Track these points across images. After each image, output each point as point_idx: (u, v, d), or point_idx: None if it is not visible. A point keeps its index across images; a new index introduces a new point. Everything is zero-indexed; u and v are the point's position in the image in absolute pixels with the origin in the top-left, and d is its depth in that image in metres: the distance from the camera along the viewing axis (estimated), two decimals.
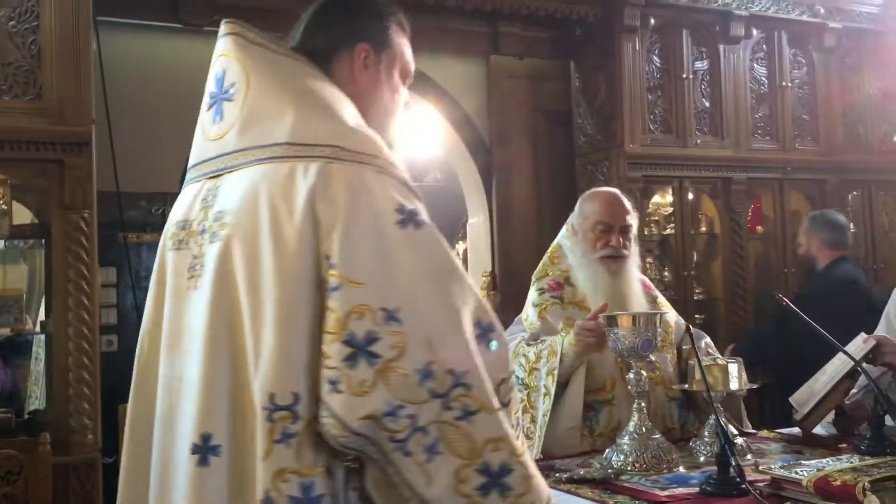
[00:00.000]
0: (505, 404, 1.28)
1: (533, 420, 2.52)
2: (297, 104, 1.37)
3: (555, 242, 2.86)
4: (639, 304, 2.64)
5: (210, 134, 1.44)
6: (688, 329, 2.41)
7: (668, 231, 5.57)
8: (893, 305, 2.78)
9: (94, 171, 3.74)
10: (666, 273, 5.57)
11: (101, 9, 3.99)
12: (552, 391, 2.47)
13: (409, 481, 1.22)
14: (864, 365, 2.35)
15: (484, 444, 1.23)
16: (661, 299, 2.86)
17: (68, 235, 3.64)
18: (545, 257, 2.85)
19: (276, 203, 1.29)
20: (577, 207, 2.78)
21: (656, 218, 5.66)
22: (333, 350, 1.22)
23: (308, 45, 1.50)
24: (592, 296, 2.61)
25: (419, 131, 5.93)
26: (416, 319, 1.24)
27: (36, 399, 3.84)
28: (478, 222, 5.72)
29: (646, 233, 5.36)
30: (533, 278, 2.85)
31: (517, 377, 2.59)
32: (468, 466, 1.22)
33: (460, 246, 8.80)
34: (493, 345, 1.30)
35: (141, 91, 4.53)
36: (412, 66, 1.60)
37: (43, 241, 3.76)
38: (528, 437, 2.51)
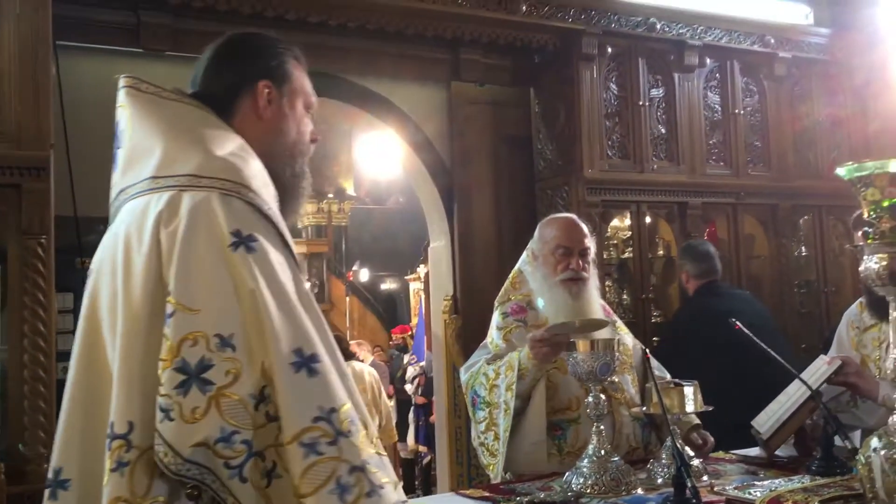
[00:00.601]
0: (345, 434, 1.24)
1: (496, 437, 2.56)
2: (166, 141, 1.41)
3: (515, 268, 2.92)
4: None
5: (113, 181, 1.50)
6: (644, 354, 2.46)
7: (626, 255, 5.66)
8: (844, 326, 2.87)
9: (51, 196, 3.70)
10: (625, 296, 5.65)
11: (60, 33, 3.97)
12: (511, 406, 2.52)
13: None
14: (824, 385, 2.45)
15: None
16: (620, 323, 2.94)
17: (25, 261, 3.59)
18: (507, 283, 2.91)
19: (130, 236, 1.35)
20: (536, 233, 2.85)
21: (615, 242, 5.75)
22: (166, 377, 1.22)
23: (209, 89, 1.55)
24: (554, 318, 2.66)
25: (381, 155, 5.96)
26: (251, 345, 1.25)
27: None
28: (439, 246, 5.75)
29: (605, 256, 5.44)
30: (496, 303, 2.91)
31: (479, 395, 2.63)
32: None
33: (422, 269, 8.83)
34: (315, 374, 1.26)
35: (100, 116, 4.41)
36: (313, 97, 1.64)
37: None
38: (492, 455, 2.55)
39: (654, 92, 5.57)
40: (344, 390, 1.28)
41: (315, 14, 4.62)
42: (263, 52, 1.59)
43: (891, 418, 1.31)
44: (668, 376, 2.76)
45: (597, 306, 2.72)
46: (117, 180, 1.46)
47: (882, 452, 1.33)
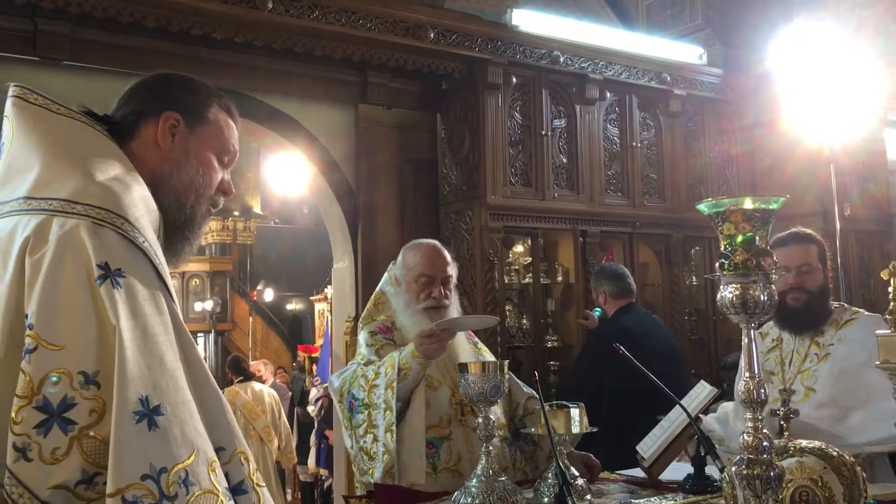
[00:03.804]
0: (169, 498, 1.17)
1: (375, 439, 2.57)
2: (45, 159, 1.35)
3: (378, 290, 2.97)
4: (463, 349, 2.81)
5: None
6: (534, 376, 2.54)
7: (526, 280, 5.79)
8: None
9: None
10: (524, 321, 5.77)
11: None
12: (393, 405, 2.54)
13: None
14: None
15: None
16: (481, 345, 3.04)
17: None
18: (369, 304, 2.95)
19: None
20: (399, 258, 2.91)
21: (516, 267, 5.87)
22: (23, 416, 1.16)
23: (119, 112, 1.52)
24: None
25: (289, 174, 5.92)
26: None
27: None
28: (342, 267, 5.75)
29: (506, 281, 5.55)
30: (360, 324, 2.95)
31: (357, 398, 2.65)
32: None
33: (329, 290, 8.78)
34: (155, 427, 1.19)
35: None
36: (234, 148, 1.60)
37: None
38: (371, 458, 2.57)
39: (556, 122, 5.74)
40: (186, 445, 1.21)
41: (220, 31, 4.59)
42: (186, 89, 1.56)
43: (741, 437, 1.41)
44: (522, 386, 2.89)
45: (459, 334, 2.80)
46: None
47: (733, 469, 1.42)
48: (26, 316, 1.21)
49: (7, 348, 1.22)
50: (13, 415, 1.17)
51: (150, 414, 1.19)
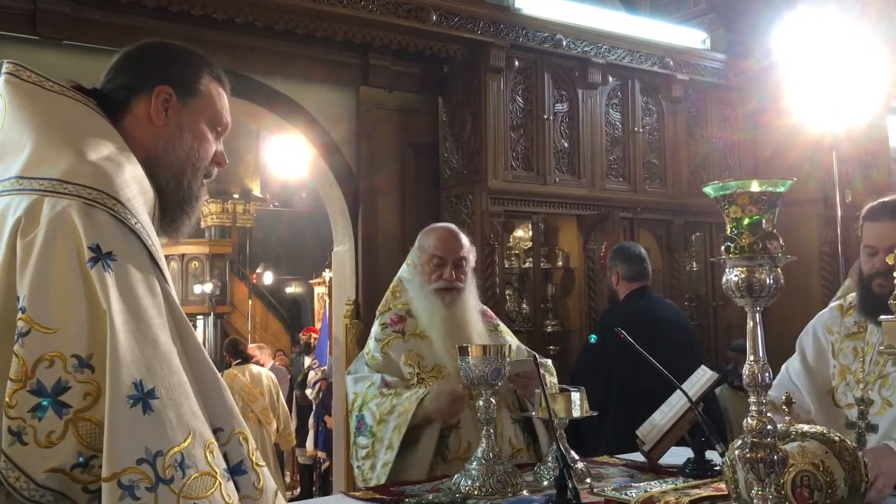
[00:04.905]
0: (165, 481, 1.17)
1: (373, 468, 2.59)
2: (38, 138, 1.34)
3: (396, 277, 2.99)
4: (477, 331, 2.80)
5: None
6: (535, 360, 2.53)
7: (527, 264, 5.79)
8: (822, 332, 2.68)
9: None
10: (524, 305, 5.77)
11: None
12: (396, 445, 2.56)
13: None
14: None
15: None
16: (503, 328, 3.02)
17: None
18: (388, 292, 2.98)
19: None
20: (416, 242, 2.92)
21: (516, 252, 5.87)
22: (18, 399, 1.16)
23: (109, 85, 1.49)
24: (430, 326, 2.76)
25: (289, 157, 5.90)
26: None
27: None
28: (343, 250, 5.75)
29: (506, 266, 5.55)
30: (377, 313, 2.97)
31: (366, 423, 2.64)
32: None
33: (328, 273, 8.77)
34: (150, 411, 1.19)
35: None
36: (226, 119, 1.58)
37: None
38: (366, 482, 2.59)
39: (558, 106, 5.72)
40: (182, 428, 1.20)
41: (221, 11, 4.57)
42: (175, 60, 1.53)
43: (745, 420, 1.41)
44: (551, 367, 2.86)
45: (472, 314, 2.81)
46: None
47: (737, 452, 1.42)
48: (18, 299, 1.20)
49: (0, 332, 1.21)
50: (7, 398, 1.16)
51: (144, 398, 1.18)
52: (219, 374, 1.32)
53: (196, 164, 1.52)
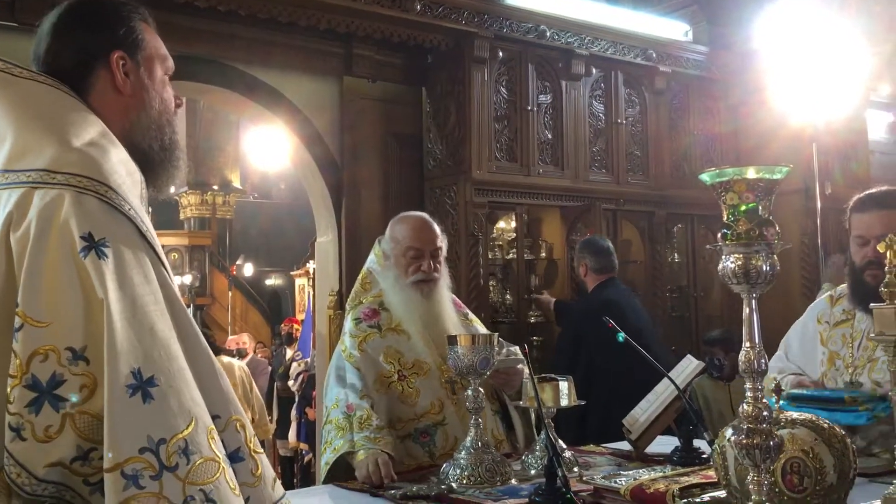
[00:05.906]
0: (170, 468, 1.15)
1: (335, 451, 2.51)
2: (17, 127, 1.31)
3: (364, 268, 2.90)
4: (452, 322, 2.77)
5: None
6: (522, 349, 2.53)
7: (510, 255, 5.79)
8: (812, 321, 2.74)
9: None
10: (508, 296, 5.78)
11: None
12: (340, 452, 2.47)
13: None
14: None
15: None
16: (472, 316, 3.00)
17: None
18: (357, 284, 2.88)
19: None
20: (387, 232, 2.83)
21: (500, 243, 5.87)
22: (16, 395, 1.15)
23: (56, 64, 1.43)
24: (407, 319, 2.71)
25: (270, 148, 5.85)
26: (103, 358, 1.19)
27: None
28: (326, 241, 5.72)
29: (490, 257, 5.54)
30: (347, 307, 2.88)
31: (329, 420, 2.57)
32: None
33: (310, 265, 8.75)
34: (150, 399, 1.17)
35: None
36: (169, 60, 1.55)
37: None
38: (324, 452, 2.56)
39: (541, 98, 5.72)
40: (183, 414, 1.19)
41: None
42: (109, 18, 1.46)
43: (741, 407, 1.41)
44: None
45: (447, 304, 2.79)
46: None
47: (732, 438, 1.43)
48: (14, 294, 1.19)
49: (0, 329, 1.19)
50: (7, 393, 1.16)
51: (143, 386, 1.17)
52: (215, 360, 1.31)
53: (168, 116, 1.52)
